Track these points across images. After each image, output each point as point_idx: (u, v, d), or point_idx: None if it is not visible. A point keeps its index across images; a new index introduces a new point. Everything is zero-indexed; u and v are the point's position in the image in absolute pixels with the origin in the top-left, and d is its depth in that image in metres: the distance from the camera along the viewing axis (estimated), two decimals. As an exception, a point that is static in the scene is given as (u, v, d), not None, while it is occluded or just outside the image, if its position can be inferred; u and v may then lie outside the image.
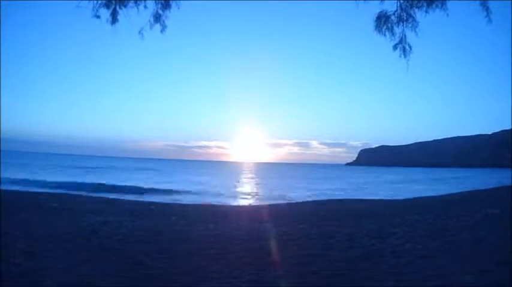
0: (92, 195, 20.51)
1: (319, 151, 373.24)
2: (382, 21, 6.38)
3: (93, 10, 5.95)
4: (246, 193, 31.65)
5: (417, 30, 6.31)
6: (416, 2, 6.24)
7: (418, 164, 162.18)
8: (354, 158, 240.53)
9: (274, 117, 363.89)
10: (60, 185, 29.70)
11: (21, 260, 5.56)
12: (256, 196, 28.87)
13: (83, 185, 30.45)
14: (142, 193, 26.47)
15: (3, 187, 21.42)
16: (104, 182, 33.83)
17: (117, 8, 6.12)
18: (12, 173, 37.03)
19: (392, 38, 6.41)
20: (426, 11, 6.19)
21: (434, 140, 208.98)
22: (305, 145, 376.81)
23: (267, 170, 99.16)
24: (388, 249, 6.80)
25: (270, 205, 18.18)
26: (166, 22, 6.44)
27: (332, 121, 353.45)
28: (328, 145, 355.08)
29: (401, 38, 6.40)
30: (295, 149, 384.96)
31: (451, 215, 10.50)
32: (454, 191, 25.23)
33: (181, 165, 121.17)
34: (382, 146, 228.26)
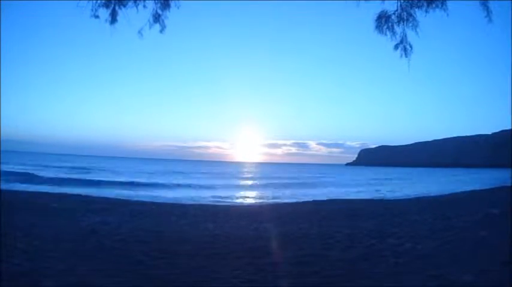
0: (91, 195, 20.50)
1: (317, 151, 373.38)
2: (383, 21, 6.38)
3: (92, 10, 5.95)
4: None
5: (418, 30, 6.31)
6: (416, 1, 6.23)
7: (419, 164, 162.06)
8: (352, 159, 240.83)
9: (272, 118, 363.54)
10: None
11: (21, 260, 5.55)
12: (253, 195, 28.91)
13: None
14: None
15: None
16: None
17: (116, 8, 6.12)
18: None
19: (393, 37, 6.41)
20: (426, 11, 6.18)
21: (434, 140, 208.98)
22: (303, 146, 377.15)
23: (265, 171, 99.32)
24: (388, 249, 6.79)
25: (270, 205, 18.19)
26: (166, 22, 6.45)
27: (330, 122, 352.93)
28: (326, 145, 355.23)
29: (402, 38, 6.40)
30: (293, 150, 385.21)
31: (451, 215, 10.50)
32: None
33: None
34: (382, 146, 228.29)
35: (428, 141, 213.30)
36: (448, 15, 6.12)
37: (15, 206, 11.60)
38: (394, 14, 6.34)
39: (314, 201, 20.39)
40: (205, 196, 25.70)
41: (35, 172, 41.71)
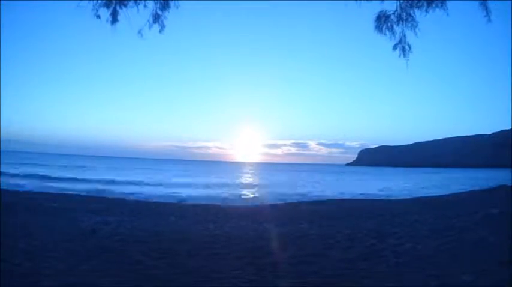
0: (91, 195, 20.51)
1: (316, 151, 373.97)
2: (382, 20, 6.37)
3: (93, 10, 5.94)
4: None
5: (417, 30, 6.31)
6: (416, 1, 6.23)
7: (418, 164, 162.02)
8: (352, 159, 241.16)
9: (272, 118, 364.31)
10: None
11: (21, 260, 5.56)
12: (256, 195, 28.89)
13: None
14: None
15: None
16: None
17: (117, 7, 6.11)
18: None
19: (393, 37, 6.41)
20: (426, 11, 6.18)
21: (434, 140, 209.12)
22: (303, 146, 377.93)
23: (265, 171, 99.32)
24: (388, 249, 6.80)
25: (270, 205, 18.19)
26: (165, 22, 6.44)
27: (329, 122, 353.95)
28: (326, 145, 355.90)
29: (401, 38, 6.39)
30: (293, 150, 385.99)
31: (451, 215, 10.49)
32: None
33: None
34: (382, 146, 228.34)
35: (428, 141, 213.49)
36: (448, 15, 6.12)
37: (16, 206, 11.60)
38: (393, 14, 6.33)
39: (314, 201, 20.40)
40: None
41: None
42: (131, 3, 6.15)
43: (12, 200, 13.41)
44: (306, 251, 6.85)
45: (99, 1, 5.94)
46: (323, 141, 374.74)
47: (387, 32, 6.39)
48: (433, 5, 6.14)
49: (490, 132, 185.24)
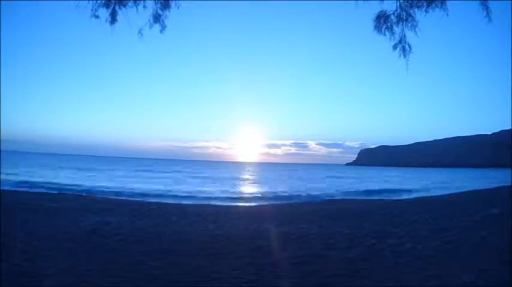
0: (91, 195, 20.51)
1: (316, 151, 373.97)
2: (382, 20, 6.36)
3: (92, 10, 5.94)
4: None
5: (417, 29, 6.30)
6: (416, 1, 6.22)
7: (418, 164, 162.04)
8: (351, 159, 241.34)
9: (272, 118, 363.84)
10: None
11: (21, 260, 5.56)
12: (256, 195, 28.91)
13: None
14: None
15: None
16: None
17: (116, 8, 6.11)
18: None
19: (392, 37, 6.39)
20: (426, 11, 6.17)
21: (434, 140, 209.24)
22: (302, 146, 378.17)
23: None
24: (388, 249, 6.80)
25: (270, 205, 18.20)
26: (166, 22, 6.43)
27: (329, 122, 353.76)
28: (326, 145, 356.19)
29: (401, 38, 6.38)
30: (293, 150, 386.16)
31: (451, 215, 10.50)
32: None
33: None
34: (382, 146, 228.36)
35: (428, 141, 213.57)
36: (447, 15, 6.11)
37: (16, 206, 11.60)
38: (393, 14, 6.32)
39: (314, 201, 20.41)
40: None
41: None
42: (130, 4, 6.14)
43: (12, 200, 13.41)
44: (306, 251, 6.85)
45: (98, 1, 5.94)
46: (323, 142, 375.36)
47: (386, 32, 6.38)
48: (433, 5, 6.13)
49: (490, 133, 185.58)
